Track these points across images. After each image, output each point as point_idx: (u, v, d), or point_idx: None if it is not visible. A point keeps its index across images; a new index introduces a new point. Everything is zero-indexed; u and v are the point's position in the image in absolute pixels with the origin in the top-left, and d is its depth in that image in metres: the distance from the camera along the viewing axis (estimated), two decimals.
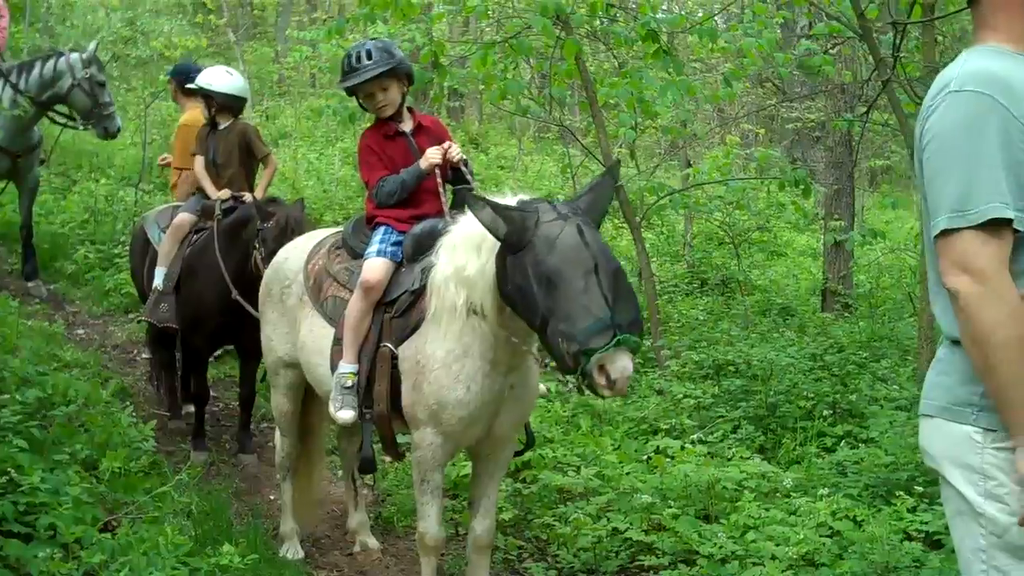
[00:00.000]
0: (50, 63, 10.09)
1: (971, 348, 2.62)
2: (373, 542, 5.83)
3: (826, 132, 12.75)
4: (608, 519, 5.78)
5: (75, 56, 10.08)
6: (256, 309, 6.69)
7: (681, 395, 7.55)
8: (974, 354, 2.62)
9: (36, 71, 10.06)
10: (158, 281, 7.29)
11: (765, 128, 18.78)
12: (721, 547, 5.24)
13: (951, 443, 2.76)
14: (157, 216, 7.90)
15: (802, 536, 5.17)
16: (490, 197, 4.17)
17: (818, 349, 8.76)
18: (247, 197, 7.17)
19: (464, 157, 5.12)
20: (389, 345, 4.74)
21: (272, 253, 6.39)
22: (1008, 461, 2.63)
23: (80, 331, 9.86)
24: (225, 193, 7.27)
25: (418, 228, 4.93)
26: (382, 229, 5.02)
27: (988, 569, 2.70)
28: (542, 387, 5.32)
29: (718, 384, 8.05)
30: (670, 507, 5.74)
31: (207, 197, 7.39)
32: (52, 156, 11.51)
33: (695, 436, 6.79)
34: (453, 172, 5.09)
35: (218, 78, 7.50)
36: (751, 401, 7.65)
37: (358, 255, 5.08)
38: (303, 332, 5.22)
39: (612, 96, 9.47)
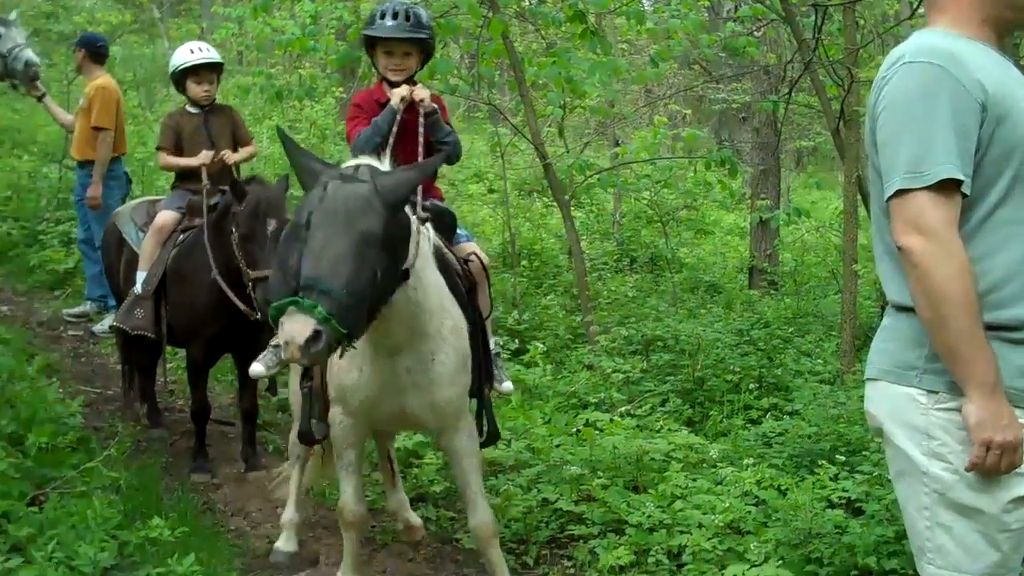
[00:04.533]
0: None
1: (923, 304, 2.73)
2: (415, 519, 5.65)
3: (752, 113, 12.93)
4: (538, 490, 5.85)
5: None
6: (244, 304, 6.16)
7: (610, 370, 7.62)
8: (925, 310, 2.72)
9: None
10: (137, 285, 6.69)
11: (692, 109, 18.96)
12: (649, 516, 5.32)
13: (896, 405, 2.87)
14: (132, 212, 7.25)
15: (728, 505, 5.26)
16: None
17: (745, 324, 8.91)
18: (229, 156, 6.85)
19: (433, 107, 4.94)
20: None
21: (244, 237, 5.98)
22: (950, 421, 2.75)
23: (4, 308, 9.72)
24: (206, 156, 6.77)
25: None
26: None
27: (932, 526, 2.81)
28: (508, 385, 5.30)
29: (647, 359, 8.16)
30: (599, 478, 5.81)
31: (192, 192, 6.79)
32: None
33: (624, 409, 6.88)
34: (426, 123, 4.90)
35: (209, 50, 7.00)
36: (679, 375, 7.77)
37: None
38: None
39: (540, 76, 9.50)
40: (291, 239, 3.63)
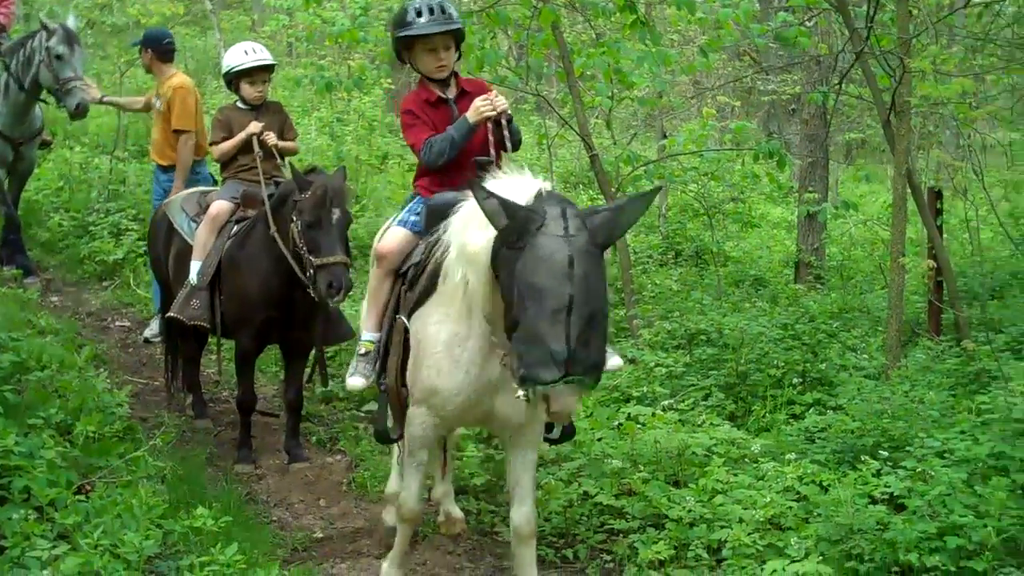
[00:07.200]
0: (30, 41, 9.32)
1: None
2: (457, 512, 5.72)
3: (801, 104, 12.82)
4: (579, 484, 5.86)
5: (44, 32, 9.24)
6: (307, 290, 6.23)
7: (653, 364, 7.59)
8: None
9: (20, 52, 9.33)
10: (192, 276, 6.79)
11: (741, 101, 18.83)
12: (690, 511, 5.31)
13: None
14: (183, 203, 7.32)
15: (769, 500, 5.24)
16: (509, 179, 4.04)
17: (789, 319, 8.83)
18: (270, 137, 6.93)
19: (508, 109, 5.00)
20: (402, 317, 4.72)
21: (309, 224, 6.03)
22: None
23: (54, 298, 9.85)
24: (256, 126, 6.91)
25: (435, 199, 4.89)
26: (414, 199, 5.12)
27: None
28: (616, 361, 5.11)
29: (690, 353, 8.12)
30: (640, 472, 5.81)
31: (245, 183, 6.94)
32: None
33: (666, 403, 6.86)
34: (495, 127, 4.97)
35: (262, 52, 7.14)
36: (722, 370, 7.72)
37: None
38: None
39: (589, 67, 9.48)
40: (541, 307, 3.59)
